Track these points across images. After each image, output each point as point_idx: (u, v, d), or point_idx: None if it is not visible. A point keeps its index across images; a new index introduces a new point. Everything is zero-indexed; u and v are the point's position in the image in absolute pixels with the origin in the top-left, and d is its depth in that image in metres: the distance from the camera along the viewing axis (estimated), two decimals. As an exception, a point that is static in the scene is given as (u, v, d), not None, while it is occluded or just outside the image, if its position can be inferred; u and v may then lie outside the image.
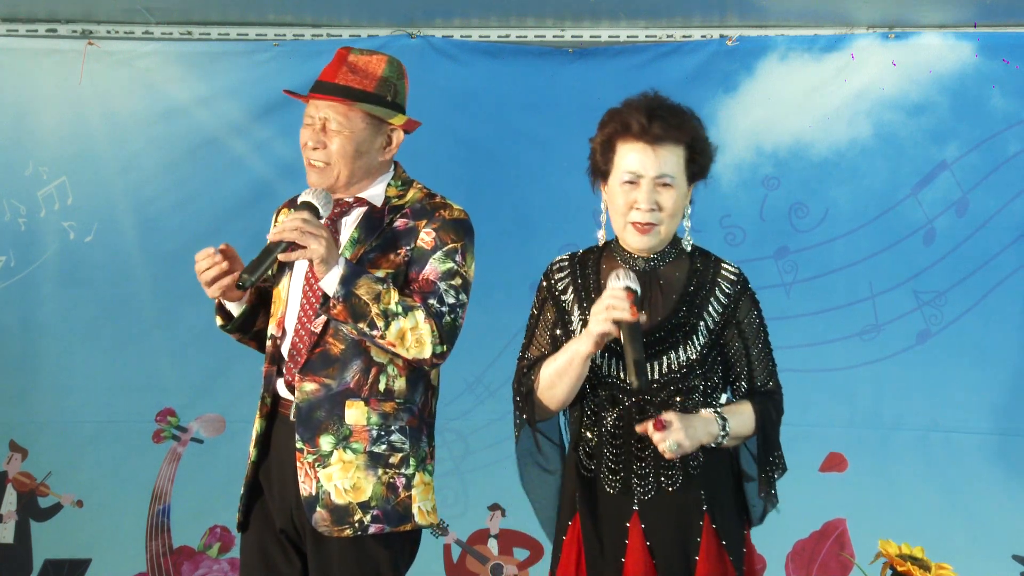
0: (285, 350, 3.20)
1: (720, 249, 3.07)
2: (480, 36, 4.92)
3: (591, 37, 4.89)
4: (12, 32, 4.91)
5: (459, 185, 4.87)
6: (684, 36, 4.88)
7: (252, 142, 4.90)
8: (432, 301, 3.13)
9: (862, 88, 4.85)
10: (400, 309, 3.08)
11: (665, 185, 2.92)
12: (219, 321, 3.33)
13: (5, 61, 4.91)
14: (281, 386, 3.22)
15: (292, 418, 3.17)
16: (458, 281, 3.18)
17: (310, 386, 3.14)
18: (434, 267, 3.17)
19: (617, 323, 2.80)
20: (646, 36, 4.89)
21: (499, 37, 4.92)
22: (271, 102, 4.88)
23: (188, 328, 4.88)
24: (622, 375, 2.94)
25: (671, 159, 2.92)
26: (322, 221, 3.11)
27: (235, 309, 3.28)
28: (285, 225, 3.01)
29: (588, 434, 2.99)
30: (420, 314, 3.10)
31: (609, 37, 4.89)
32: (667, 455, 2.85)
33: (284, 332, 3.22)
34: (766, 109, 4.86)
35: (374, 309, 3.05)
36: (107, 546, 4.90)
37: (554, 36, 4.89)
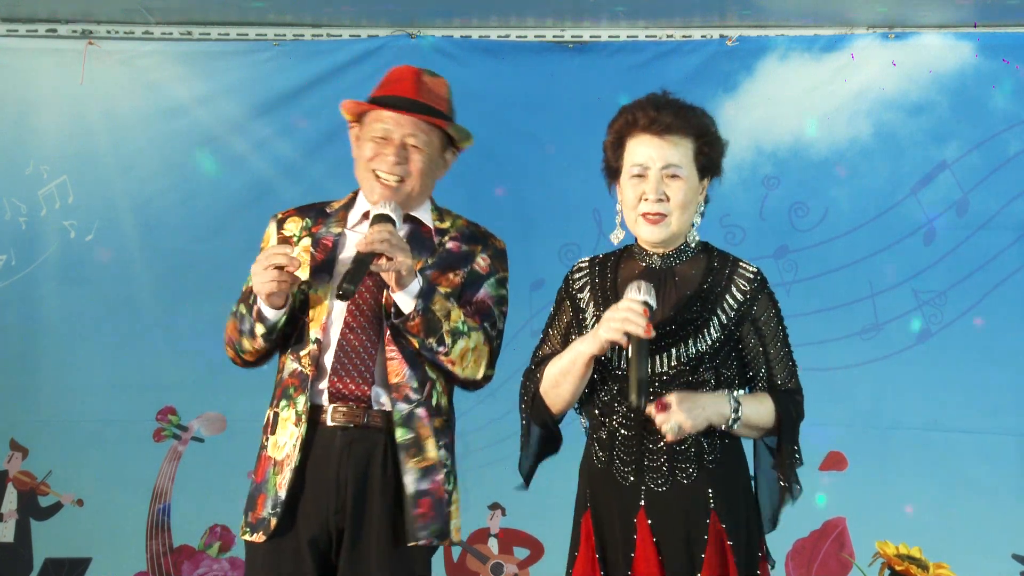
0: (329, 358, 3.13)
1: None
2: (480, 36, 4.93)
3: (591, 37, 4.89)
4: (12, 32, 4.92)
5: (459, 184, 4.86)
6: (684, 36, 4.88)
7: (252, 141, 4.90)
8: (487, 324, 3.17)
9: (862, 88, 4.85)
10: (465, 328, 3.10)
11: (673, 176, 2.93)
12: (261, 329, 3.13)
13: (5, 61, 4.91)
14: (323, 394, 3.13)
15: (330, 422, 3.10)
16: (505, 309, 3.24)
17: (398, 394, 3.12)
18: (488, 292, 3.21)
19: (627, 335, 2.79)
20: (646, 36, 4.90)
21: (499, 37, 4.93)
22: (271, 101, 4.91)
23: (189, 326, 4.88)
24: None
25: (678, 150, 2.93)
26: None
27: (272, 315, 3.12)
28: (374, 237, 2.98)
29: (600, 426, 2.98)
30: (480, 336, 3.13)
31: (609, 37, 4.90)
32: (668, 437, 2.84)
33: (327, 339, 3.13)
34: (766, 109, 4.86)
35: (445, 326, 3.07)
36: (107, 545, 4.90)
37: (554, 36, 4.89)
